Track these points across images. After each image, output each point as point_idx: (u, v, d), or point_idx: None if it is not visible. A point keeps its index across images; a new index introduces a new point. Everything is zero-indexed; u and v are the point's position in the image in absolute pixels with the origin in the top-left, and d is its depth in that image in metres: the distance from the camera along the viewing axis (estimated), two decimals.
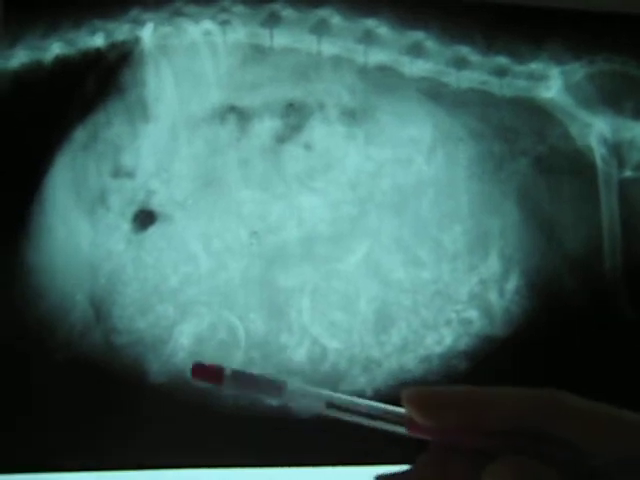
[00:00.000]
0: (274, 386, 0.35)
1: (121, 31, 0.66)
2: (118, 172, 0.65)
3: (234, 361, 0.64)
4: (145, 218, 0.66)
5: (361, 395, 0.62)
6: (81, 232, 0.64)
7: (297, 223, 0.65)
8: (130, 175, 0.65)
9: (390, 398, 0.55)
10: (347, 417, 0.35)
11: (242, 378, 0.36)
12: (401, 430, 0.34)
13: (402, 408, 0.34)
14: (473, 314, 0.66)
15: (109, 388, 0.63)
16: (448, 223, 0.66)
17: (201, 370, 0.36)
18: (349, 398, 0.35)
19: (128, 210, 0.66)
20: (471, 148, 0.68)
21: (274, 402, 0.39)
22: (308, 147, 0.66)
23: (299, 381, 0.56)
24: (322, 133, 0.66)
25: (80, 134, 0.65)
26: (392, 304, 0.65)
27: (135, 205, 0.65)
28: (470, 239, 0.67)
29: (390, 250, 0.66)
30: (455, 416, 0.32)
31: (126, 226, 0.65)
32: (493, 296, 0.66)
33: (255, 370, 0.56)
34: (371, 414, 0.35)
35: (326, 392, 0.35)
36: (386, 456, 0.55)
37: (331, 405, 0.35)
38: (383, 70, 0.67)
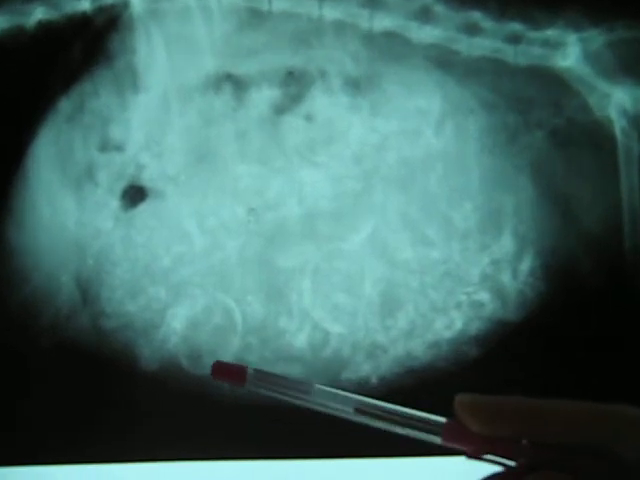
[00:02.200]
0: (300, 388, 0.35)
1: None
2: (106, 145, 0.64)
3: (230, 347, 0.64)
4: (135, 194, 0.64)
5: (365, 383, 0.63)
6: (67, 210, 0.63)
7: (297, 199, 0.64)
8: (119, 148, 0.64)
9: (396, 386, 0.62)
10: (377, 424, 0.34)
11: (266, 378, 0.35)
12: (434, 439, 0.33)
13: (435, 415, 0.34)
14: (485, 297, 0.64)
15: (97, 376, 0.62)
16: (458, 199, 0.64)
17: (222, 369, 0.36)
18: (380, 403, 0.34)
19: (117, 186, 0.64)
20: (483, 120, 0.65)
21: (298, 404, 0.36)
22: (309, 118, 0.64)
23: (299, 368, 0.62)
24: (324, 103, 0.64)
25: (65, 105, 0.64)
26: (399, 286, 0.63)
27: (124, 180, 0.64)
28: (481, 217, 0.64)
29: (396, 228, 0.64)
30: (511, 426, 0.32)
31: (115, 203, 0.64)
32: (506, 277, 0.64)
33: (253, 356, 0.63)
34: (403, 421, 0.34)
35: (355, 396, 0.35)
36: (385, 449, 0.55)
37: (360, 410, 0.34)
38: (389, 36, 0.64)
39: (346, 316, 0.63)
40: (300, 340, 0.63)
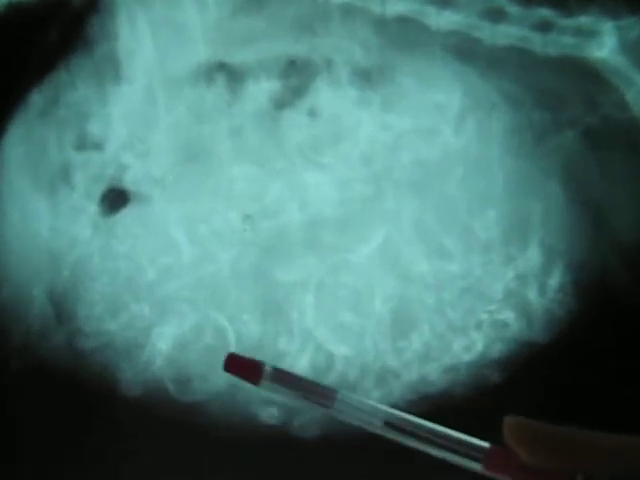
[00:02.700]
0: (323, 393, 0.34)
1: None
2: (83, 144, 0.63)
3: (222, 369, 0.55)
4: (116, 198, 0.63)
5: None
6: (39, 216, 0.62)
7: (299, 205, 0.62)
8: (98, 147, 0.63)
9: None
10: (408, 441, 0.32)
11: (284, 378, 0.34)
12: (474, 466, 0.31)
13: (478, 439, 0.32)
14: (509, 315, 0.61)
15: (73, 402, 0.60)
16: (479, 206, 0.62)
17: (236, 363, 0.35)
18: (414, 418, 0.33)
19: (96, 189, 0.63)
20: (507, 117, 0.62)
21: (317, 412, 0.36)
22: (313, 114, 0.62)
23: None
24: (330, 97, 0.62)
25: (37, 98, 0.63)
26: (412, 303, 0.61)
27: (104, 183, 0.63)
28: (505, 226, 0.62)
29: (410, 238, 0.62)
30: (567, 458, 0.30)
31: (93, 208, 0.62)
32: (532, 294, 0.61)
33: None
34: (440, 441, 0.32)
35: (386, 408, 0.34)
36: None
37: (390, 424, 0.33)
38: (403, 22, 0.62)
39: (353, 336, 0.60)
40: (301, 363, 0.60)
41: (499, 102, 0.62)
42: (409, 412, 0.55)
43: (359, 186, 0.62)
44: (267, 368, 0.34)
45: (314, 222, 0.62)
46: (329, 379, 0.61)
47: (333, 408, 0.33)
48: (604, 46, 0.64)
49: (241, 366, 0.35)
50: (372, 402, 0.33)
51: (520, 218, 0.61)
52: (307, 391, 0.34)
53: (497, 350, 0.60)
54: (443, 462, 0.32)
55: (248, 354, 0.52)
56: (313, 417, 0.59)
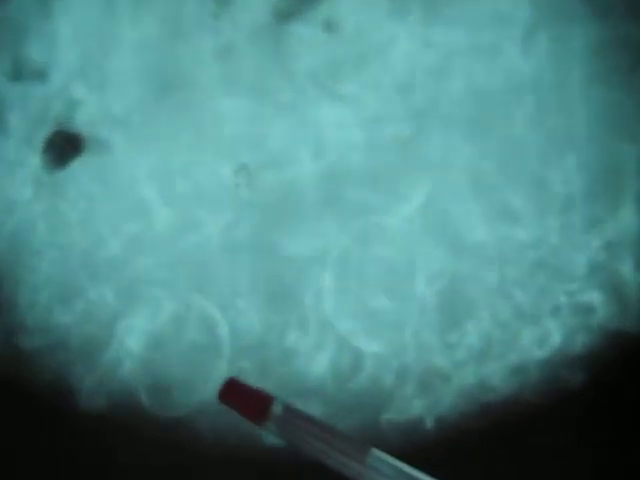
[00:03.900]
0: (350, 449, 0.32)
1: None
2: (20, 71, 0.58)
3: (213, 375, 0.56)
4: (65, 146, 0.58)
5: (416, 426, 0.56)
6: None
7: (312, 152, 0.56)
8: (40, 76, 0.58)
9: (463, 430, 0.57)
10: None
11: (299, 424, 0.33)
12: None
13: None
14: (594, 297, 0.56)
15: (15, 418, 0.56)
16: (556, 152, 0.57)
17: (236, 392, 0.34)
18: None
19: (37, 133, 0.58)
20: (593, 33, 0.57)
21: (345, 471, 0.33)
22: (329, 27, 0.57)
23: (318, 406, 0.56)
24: (352, 4, 0.57)
25: None
26: (467, 282, 0.56)
27: (48, 125, 0.58)
28: (590, 178, 0.57)
29: (463, 195, 0.57)
30: None
31: (34, 160, 0.57)
32: (626, 268, 0.56)
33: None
34: None
35: (424, 476, 0.32)
36: None
37: None
38: None
39: (388, 328, 0.56)
40: (319, 365, 0.56)
41: (581, 13, 0.58)
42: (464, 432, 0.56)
43: (393, 125, 0.57)
44: (277, 406, 0.33)
45: (333, 175, 0.57)
46: (356, 385, 0.56)
47: (362, 467, 0.32)
48: None
49: (242, 397, 0.33)
50: (409, 467, 0.32)
51: (609, 167, 0.57)
52: (328, 444, 0.32)
53: (579, 343, 0.56)
54: None
55: (246, 355, 0.56)
56: None
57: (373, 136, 0.57)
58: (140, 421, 0.56)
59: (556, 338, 0.56)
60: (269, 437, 0.33)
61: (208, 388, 0.55)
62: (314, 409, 0.55)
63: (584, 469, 0.54)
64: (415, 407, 0.56)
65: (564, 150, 0.57)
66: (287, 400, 0.33)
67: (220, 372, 0.56)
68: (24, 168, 0.57)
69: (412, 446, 0.54)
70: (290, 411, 0.33)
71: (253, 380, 0.54)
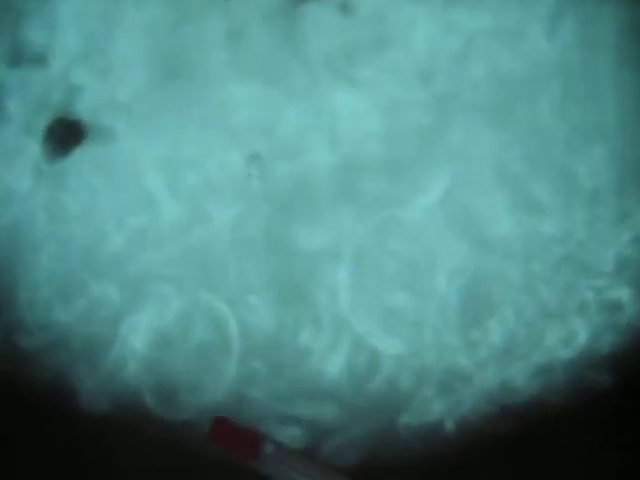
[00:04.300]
0: None
1: None
2: (19, 56, 0.58)
3: (222, 376, 0.55)
4: (67, 134, 0.57)
5: (437, 430, 0.56)
6: None
7: (328, 140, 0.56)
8: (40, 61, 0.57)
9: (485, 435, 0.56)
10: None
11: (289, 459, 0.34)
12: None
13: None
14: (623, 294, 0.56)
15: (15, 420, 0.56)
16: (583, 140, 0.56)
17: (225, 431, 0.34)
18: None
19: (37, 121, 0.57)
20: (623, 13, 0.56)
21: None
22: (346, 8, 0.57)
23: (333, 408, 0.56)
24: None
25: None
26: (490, 278, 0.55)
27: (49, 111, 0.57)
28: (619, 169, 0.56)
29: (487, 186, 0.56)
30: None
31: (35, 148, 0.57)
32: None
33: (259, 391, 0.55)
34: None
35: None
36: None
37: None
38: None
39: (406, 327, 0.56)
40: (334, 365, 0.55)
41: None
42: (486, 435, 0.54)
43: (414, 112, 0.57)
44: (268, 446, 0.33)
45: (350, 165, 0.57)
46: (373, 386, 0.55)
47: None
48: None
49: (232, 436, 0.33)
50: None
51: (639, 157, 0.57)
52: None
53: (607, 343, 0.56)
54: None
55: (257, 354, 0.56)
56: (350, 439, 0.54)
57: (391, 124, 0.57)
58: (144, 423, 0.55)
59: (582, 337, 0.56)
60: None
61: (217, 390, 0.54)
62: (329, 413, 0.55)
63: (609, 474, 0.54)
64: (435, 409, 0.55)
65: (592, 140, 0.56)
66: (276, 439, 0.34)
67: (230, 373, 0.55)
68: (23, 157, 0.57)
69: (431, 450, 0.53)
70: (280, 450, 0.33)
71: (265, 382, 0.56)
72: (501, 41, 0.57)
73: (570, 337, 0.56)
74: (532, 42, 0.57)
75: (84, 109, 0.57)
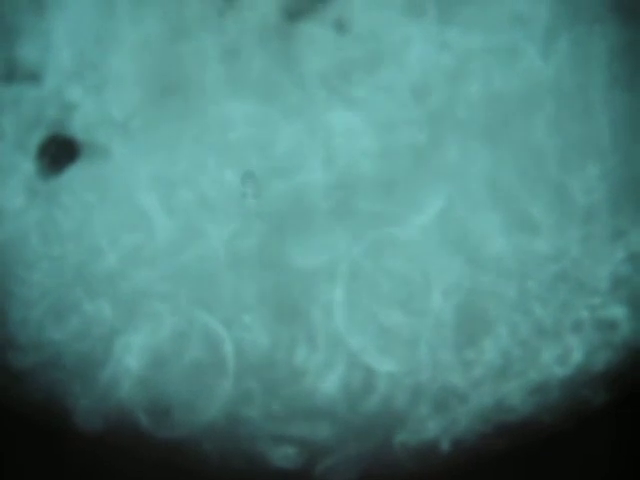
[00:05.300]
0: None
1: None
2: (13, 73, 0.57)
3: (217, 396, 0.56)
4: (60, 151, 0.57)
5: (432, 449, 0.56)
6: None
7: (323, 159, 0.56)
8: (33, 78, 0.57)
9: (480, 454, 0.55)
10: None
11: None
12: None
13: None
14: (618, 312, 0.56)
15: (8, 440, 0.57)
16: (577, 159, 0.56)
17: None
18: None
19: (30, 137, 0.57)
20: (615, 34, 0.56)
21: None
22: (342, 27, 0.56)
23: (328, 428, 0.56)
24: (365, 2, 0.56)
25: None
26: (485, 297, 0.55)
27: (42, 129, 0.57)
28: (613, 187, 0.56)
29: (481, 205, 0.56)
30: None
31: (28, 166, 0.57)
32: None
33: (253, 411, 0.55)
34: None
35: None
36: None
37: None
38: None
39: (402, 345, 0.55)
40: (329, 384, 0.55)
41: (603, 13, 0.56)
42: (482, 455, 0.55)
43: (408, 131, 0.56)
44: None
45: (345, 183, 0.56)
46: (368, 405, 0.55)
47: None
48: None
49: None
50: None
51: (633, 175, 0.56)
52: None
53: (602, 360, 0.56)
54: None
55: (252, 374, 0.55)
56: (346, 458, 0.54)
57: (386, 142, 0.56)
58: (138, 442, 0.55)
59: (578, 355, 0.55)
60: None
61: (211, 408, 0.55)
62: (323, 432, 0.56)
63: None
64: (430, 429, 0.55)
65: (586, 158, 0.56)
66: None
67: (225, 392, 0.56)
68: (16, 174, 0.56)
69: (427, 469, 0.53)
70: None
71: (260, 402, 0.56)
72: (495, 60, 0.57)
73: (565, 355, 0.56)
74: (526, 61, 0.56)
75: (78, 126, 0.57)
